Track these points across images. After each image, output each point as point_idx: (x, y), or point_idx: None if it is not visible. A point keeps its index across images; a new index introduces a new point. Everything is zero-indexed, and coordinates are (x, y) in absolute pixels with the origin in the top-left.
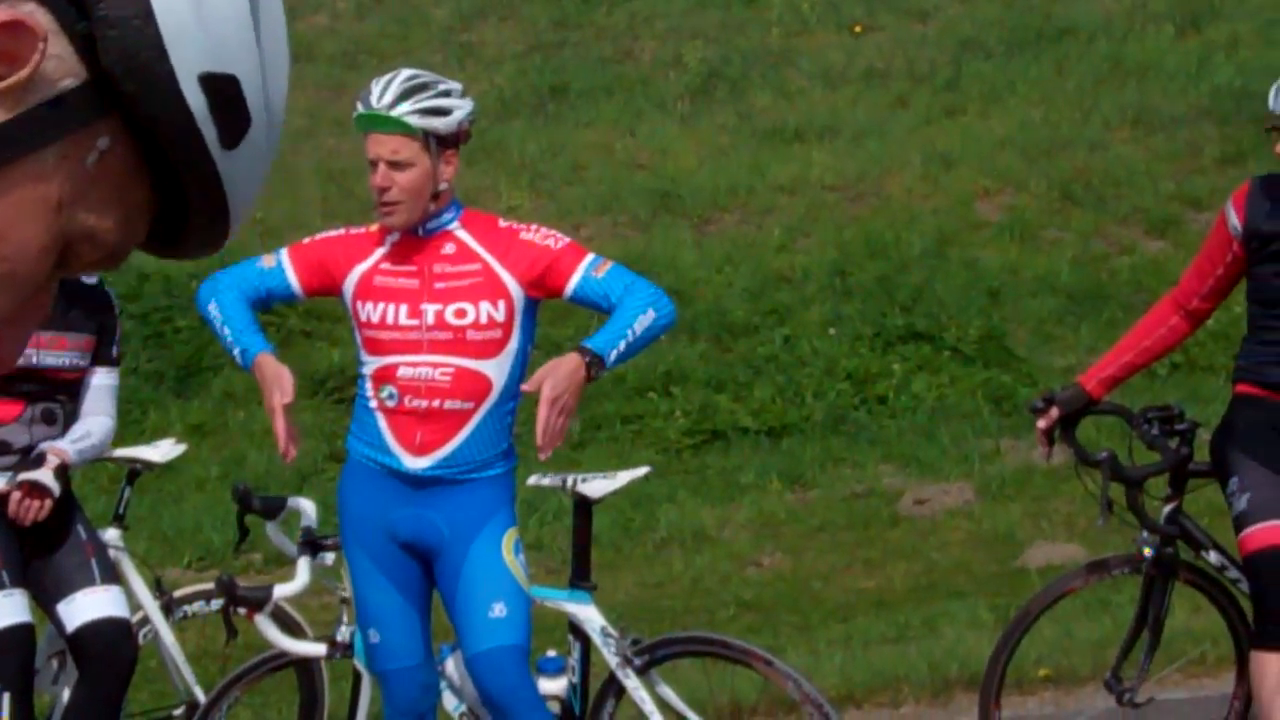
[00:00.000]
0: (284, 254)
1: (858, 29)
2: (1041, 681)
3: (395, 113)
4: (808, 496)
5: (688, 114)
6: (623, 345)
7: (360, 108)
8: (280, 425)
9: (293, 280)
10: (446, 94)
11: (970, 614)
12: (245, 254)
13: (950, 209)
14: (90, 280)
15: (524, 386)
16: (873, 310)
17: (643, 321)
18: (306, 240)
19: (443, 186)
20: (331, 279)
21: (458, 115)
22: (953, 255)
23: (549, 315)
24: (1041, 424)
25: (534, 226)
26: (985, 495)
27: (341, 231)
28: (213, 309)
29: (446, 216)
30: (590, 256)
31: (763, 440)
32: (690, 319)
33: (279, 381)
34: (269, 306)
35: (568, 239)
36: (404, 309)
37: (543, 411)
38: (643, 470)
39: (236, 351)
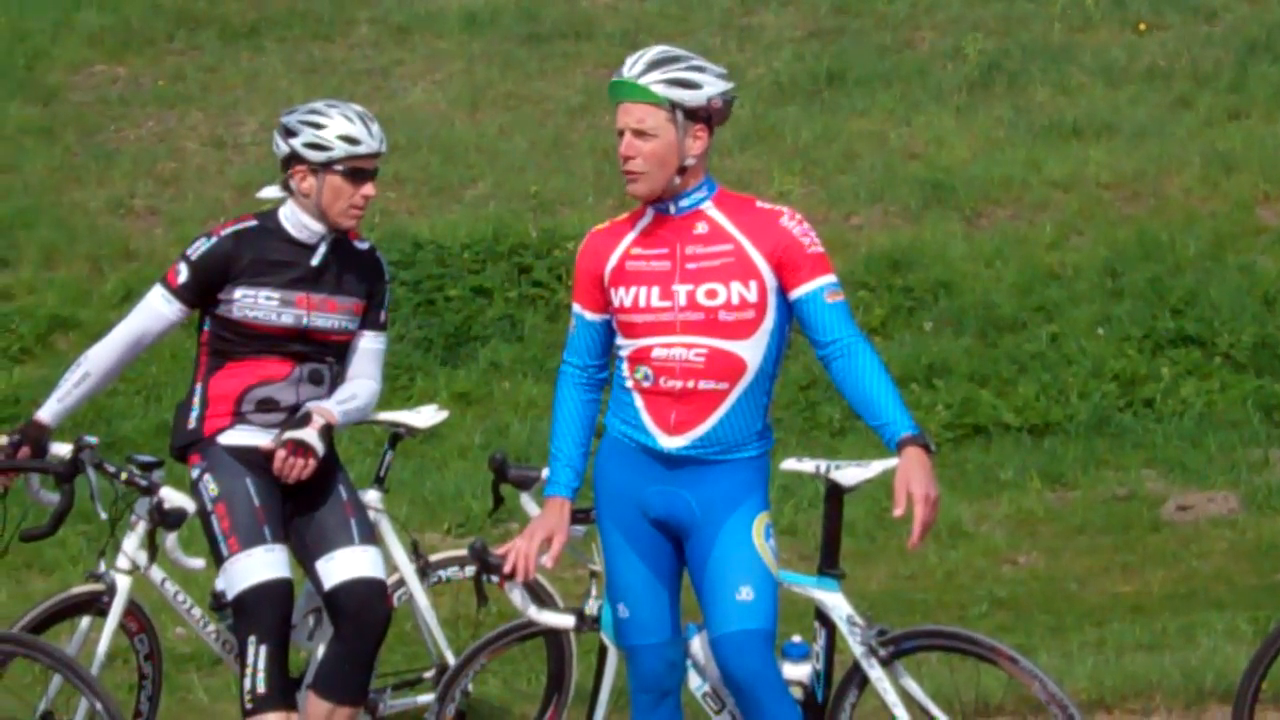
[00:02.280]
0: (574, 308)
1: (1142, 26)
2: None
3: (642, 81)
4: (1068, 496)
5: (964, 105)
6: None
7: (614, 78)
8: (522, 549)
9: (593, 318)
10: (699, 69)
11: (1229, 625)
12: (521, 226)
13: (1229, 213)
14: (363, 245)
15: (896, 513)
16: (1143, 312)
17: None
18: (575, 282)
19: (689, 161)
20: (603, 285)
21: (707, 91)
22: (1229, 260)
23: None
24: None
25: (799, 218)
26: (1251, 506)
27: (585, 241)
28: (556, 403)
29: (698, 195)
30: (831, 277)
31: (1024, 437)
32: (957, 312)
33: (549, 533)
34: (604, 355)
35: (822, 249)
36: (655, 291)
37: (921, 511)
38: (897, 461)
39: (549, 465)
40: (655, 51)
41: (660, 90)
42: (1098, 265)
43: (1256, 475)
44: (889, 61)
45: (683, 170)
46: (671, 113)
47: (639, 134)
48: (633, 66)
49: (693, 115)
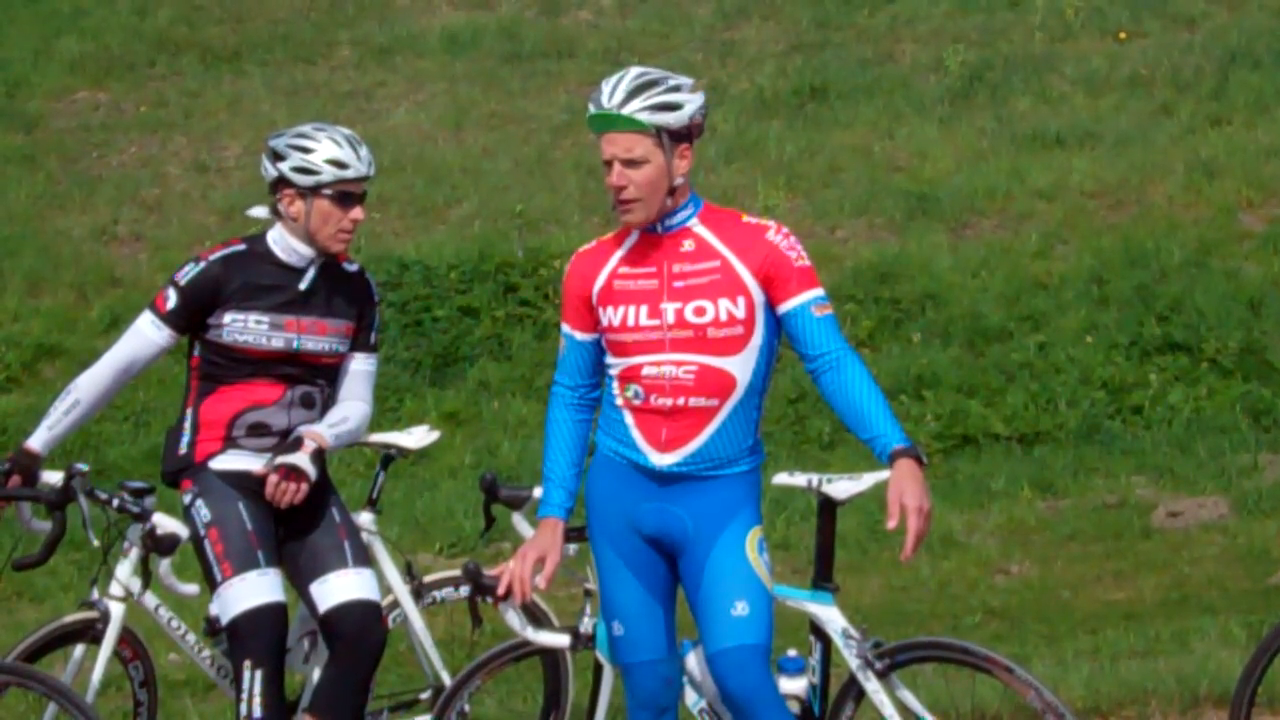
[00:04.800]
0: (563, 329)
1: (1122, 35)
2: None
3: (626, 110)
4: (1058, 505)
5: (947, 117)
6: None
7: (593, 109)
8: (516, 571)
9: (583, 338)
10: (676, 89)
11: (1222, 630)
12: (506, 245)
13: (1212, 219)
14: (351, 268)
15: (889, 525)
16: (1130, 319)
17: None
18: (563, 303)
19: (678, 181)
20: (592, 305)
21: (689, 110)
22: (1214, 266)
23: None
24: None
25: (785, 231)
26: (1241, 510)
27: (571, 262)
28: (548, 424)
29: (684, 213)
30: (818, 291)
31: (1014, 447)
32: (944, 323)
33: (542, 553)
34: (595, 374)
35: (809, 262)
36: (644, 310)
37: (914, 523)
38: (888, 473)
39: (542, 485)
40: (630, 78)
41: (646, 117)
42: (1083, 274)
43: (1246, 480)
44: (871, 74)
45: (672, 190)
46: (658, 138)
47: (629, 163)
48: (612, 96)
49: (677, 136)
